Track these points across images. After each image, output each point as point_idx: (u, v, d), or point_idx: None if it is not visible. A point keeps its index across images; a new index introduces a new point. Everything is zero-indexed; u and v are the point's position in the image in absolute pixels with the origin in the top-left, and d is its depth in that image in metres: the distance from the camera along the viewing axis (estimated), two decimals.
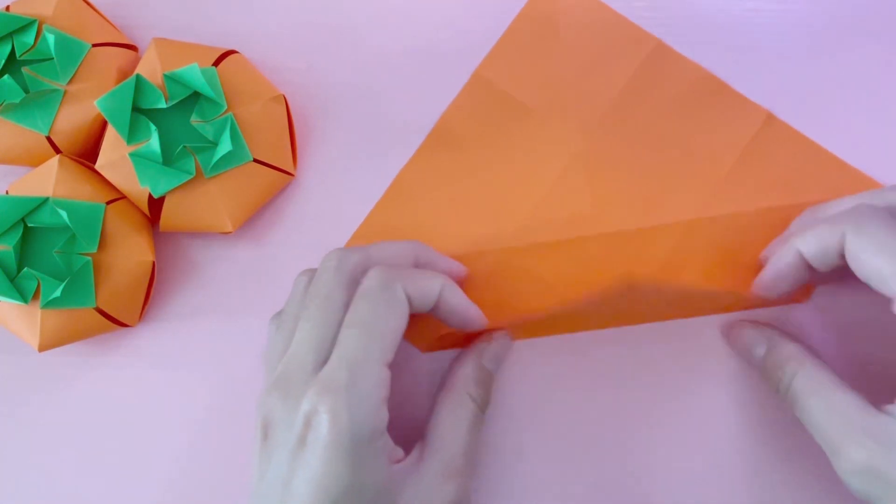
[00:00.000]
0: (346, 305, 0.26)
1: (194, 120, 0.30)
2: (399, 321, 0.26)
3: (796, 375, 0.26)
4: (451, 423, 0.27)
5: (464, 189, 0.32)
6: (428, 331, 0.30)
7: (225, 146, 0.30)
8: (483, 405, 0.29)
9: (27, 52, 0.31)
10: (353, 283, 0.26)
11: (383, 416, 0.25)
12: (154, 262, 0.32)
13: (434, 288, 0.27)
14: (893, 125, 0.32)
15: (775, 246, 0.29)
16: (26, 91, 0.31)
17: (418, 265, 0.29)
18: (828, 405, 0.25)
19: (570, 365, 0.31)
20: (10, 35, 0.31)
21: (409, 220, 0.32)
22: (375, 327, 0.25)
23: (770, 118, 0.31)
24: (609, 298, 0.26)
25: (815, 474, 0.29)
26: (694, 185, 0.31)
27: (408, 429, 0.28)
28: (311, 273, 0.28)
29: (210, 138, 0.30)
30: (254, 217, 0.33)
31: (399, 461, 0.26)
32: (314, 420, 0.24)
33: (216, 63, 0.31)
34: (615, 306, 0.28)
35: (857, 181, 0.30)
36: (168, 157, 0.30)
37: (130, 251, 0.31)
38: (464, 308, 0.28)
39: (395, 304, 0.26)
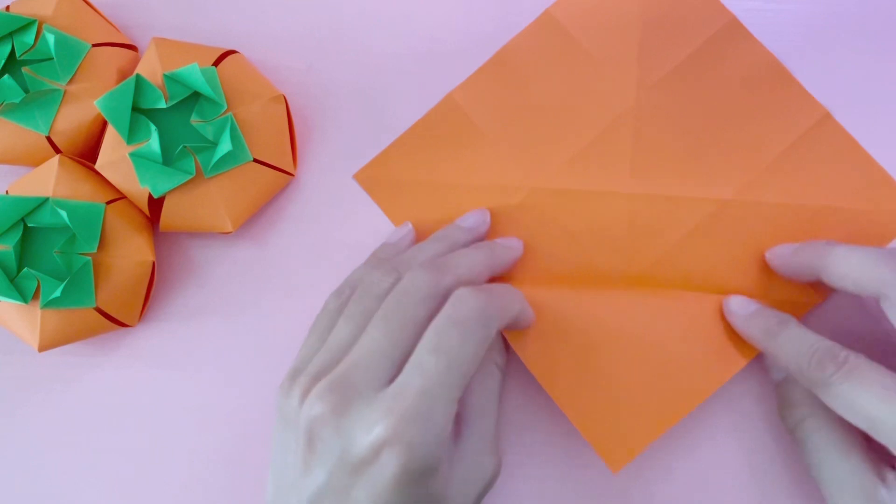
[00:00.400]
0: (427, 323, 0.25)
1: (194, 120, 0.30)
2: (481, 357, 0.25)
3: (804, 422, 0.27)
4: (483, 396, 0.27)
5: (510, 122, 0.32)
6: None
7: (225, 146, 0.30)
8: (505, 370, 0.29)
9: (27, 52, 0.31)
10: (441, 303, 0.26)
11: (446, 448, 0.24)
12: (154, 262, 0.32)
13: (514, 313, 0.27)
14: (893, 124, 0.32)
15: (786, 255, 0.29)
16: (26, 91, 0.31)
17: (491, 266, 0.29)
18: (830, 468, 0.26)
19: None
20: (10, 35, 0.31)
21: (454, 141, 0.32)
22: (462, 362, 0.24)
23: (826, 117, 0.31)
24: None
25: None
26: (735, 166, 0.31)
27: None
28: (393, 272, 0.27)
29: (210, 138, 0.30)
30: (254, 217, 0.33)
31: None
32: (386, 452, 0.23)
33: (216, 63, 0.31)
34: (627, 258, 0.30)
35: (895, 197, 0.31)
36: (168, 157, 0.30)
37: (130, 251, 0.31)
38: (527, 322, 0.28)
39: (486, 341, 0.25)
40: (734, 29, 0.32)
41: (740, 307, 0.29)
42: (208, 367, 0.33)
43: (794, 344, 0.27)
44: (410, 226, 0.32)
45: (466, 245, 0.30)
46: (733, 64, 0.32)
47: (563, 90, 0.32)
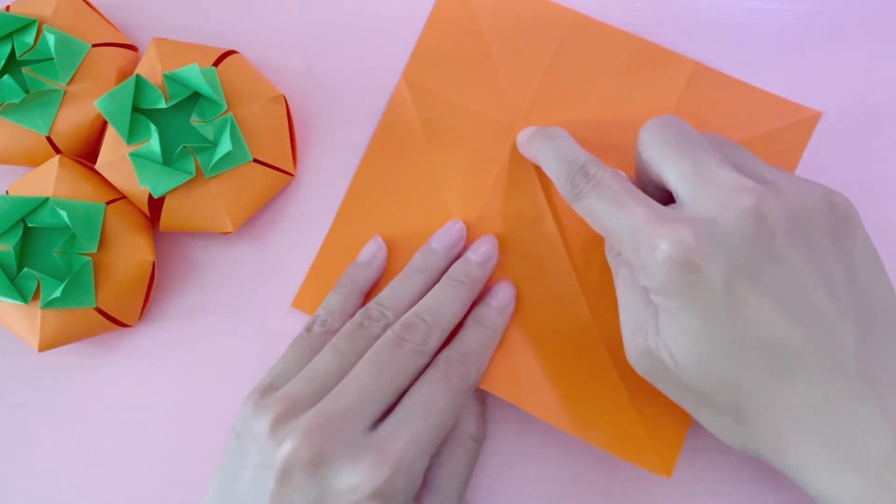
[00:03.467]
0: (413, 375, 0.27)
1: (194, 120, 0.30)
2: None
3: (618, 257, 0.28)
4: (451, 466, 0.28)
5: (413, 192, 0.32)
6: None
7: (225, 146, 0.30)
8: (482, 439, 0.30)
9: (27, 52, 0.31)
10: (429, 358, 0.28)
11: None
12: (154, 262, 0.32)
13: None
14: (894, 124, 0.32)
15: None
16: (26, 91, 0.31)
17: (473, 298, 0.30)
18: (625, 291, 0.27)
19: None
20: (10, 35, 0.31)
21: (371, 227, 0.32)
22: (445, 424, 0.26)
23: (698, 66, 0.32)
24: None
25: None
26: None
27: None
28: (383, 317, 0.28)
29: (210, 138, 0.30)
30: (254, 217, 0.33)
31: None
32: (369, 501, 0.24)
33: (216, 63, 0.31)
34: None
35: (790, 111, 0.31)
36: (168, 157, 0.30)
37: (130, 251, 0.31)
38: None
39: (462, 405, 0.27)
40: (580, 23, 0.32)
41: (523, 135, 0.30)
42: (208, 367, 0.33)
43: (556, 157, 0.28)
44: (380, 240, 0.32)
45: (445, 268, 0.31)
46: (593, 55, 0.32)
47: (451, 145, 0.32)
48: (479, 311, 0.30)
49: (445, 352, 0.28)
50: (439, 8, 0.33)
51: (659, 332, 0.24)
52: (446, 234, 0.31)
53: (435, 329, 0.28)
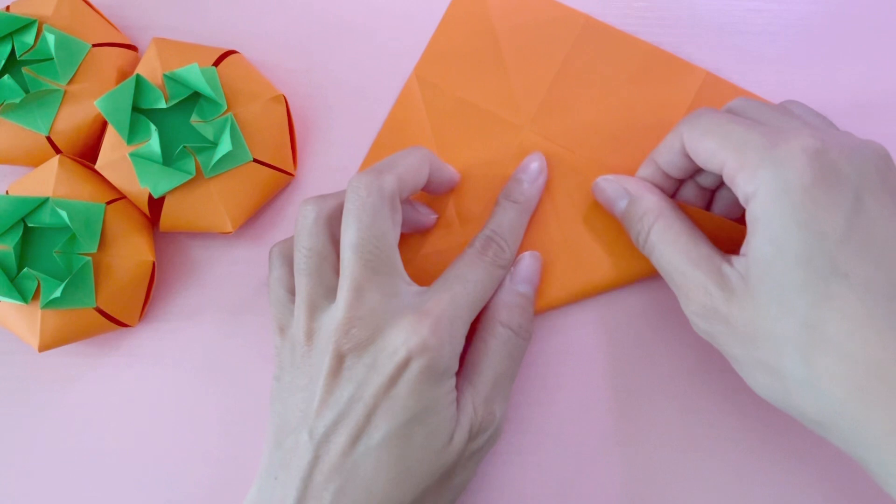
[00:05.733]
0: (394, 229, 0.27)
1: (194, 120, 0.30)
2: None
3: (653, 227, 0.27)
4: (479, 353, 0.28)
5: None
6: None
7: (225, 146, 0.30)
8: (519, 329, 0.29)
9: (27, 52, 0.31)
10: (394, 209, 0.27)
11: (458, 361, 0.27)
12: (154, 262, 0.32)
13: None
14: (894, 123, 0.32)
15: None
16: (26, 91, 0.31)
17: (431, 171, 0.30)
18: (679, 254, 0.26)
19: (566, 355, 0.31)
20: (10, 35, 0.31)
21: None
22: (483, 293, 0.28)
23: (709, 77, 0.32)
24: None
25: (819, 472, 0.29)
26: (646, 149, 0.31)
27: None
28: (319, 202, 0.29)
29: (210, 138, 0.30)
30: (254, 217, 0.33)
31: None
32: (416, 359, 0.25)
33: (216, 63, 0.31)
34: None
35: None
36: (168, 157, 0.30)
37: (130, 251, 0.31)
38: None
39: (497, 279, 0.29)
40: (591, 27, 0.32)
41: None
42: (208, 366, 0.33)
43: (651, 155, 0.29)
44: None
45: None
46: (607, 61, 0.32)
47: (461, 144, 0.33)
48: (510, 185, 0.31)
49: (480, 232, 0.30)
50: (454, 6, 0.33)
51: (747, 258, 0.24)
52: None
53: (387, 178, 0.28)
